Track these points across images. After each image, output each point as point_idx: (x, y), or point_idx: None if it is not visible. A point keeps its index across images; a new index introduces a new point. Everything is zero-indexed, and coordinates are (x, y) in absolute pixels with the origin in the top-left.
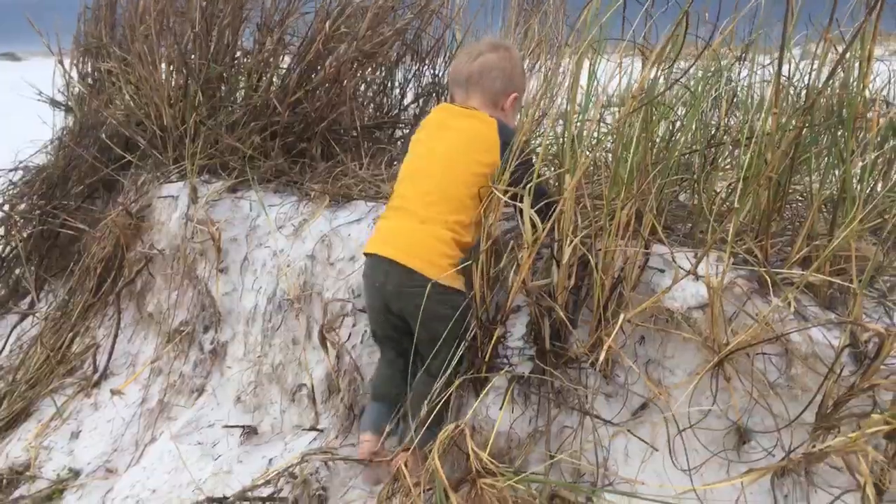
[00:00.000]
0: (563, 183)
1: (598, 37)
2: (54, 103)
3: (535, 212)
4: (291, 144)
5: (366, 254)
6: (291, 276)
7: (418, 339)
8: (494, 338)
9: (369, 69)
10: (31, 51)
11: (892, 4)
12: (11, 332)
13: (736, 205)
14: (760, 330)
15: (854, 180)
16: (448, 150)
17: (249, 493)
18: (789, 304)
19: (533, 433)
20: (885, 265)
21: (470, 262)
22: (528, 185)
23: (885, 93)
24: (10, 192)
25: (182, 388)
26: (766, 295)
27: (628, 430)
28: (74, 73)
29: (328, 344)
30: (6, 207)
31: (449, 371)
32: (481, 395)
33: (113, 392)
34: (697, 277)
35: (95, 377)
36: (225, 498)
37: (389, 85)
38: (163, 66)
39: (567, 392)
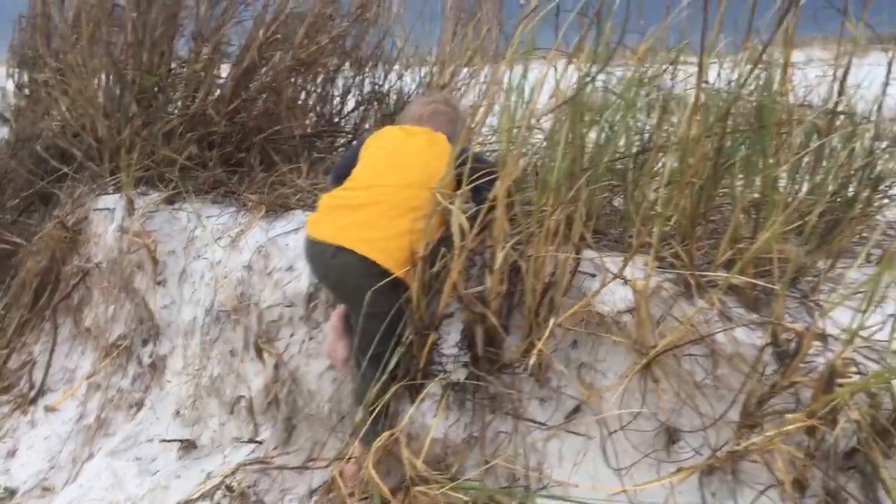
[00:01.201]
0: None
1: (529, 45)
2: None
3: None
4: (230, 154)
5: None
6: (228, 288)
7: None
8: (428, 344)
9: (309, 77)
10: None
11: (809, 11)
12: None
13: (658, 209)
14: (686, 332)
15: (781, 183)
16: (416, 147)
17: None
18: (714, 306)
19: (468, 439)
20: (807, 266)
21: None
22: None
23: (809, 97)
24: None
25: (121, 403)
26: (692, 298)
27: (565, 430)
28: (10, 84)
29: (265, 355)
30: None
31: (388, 368)
32: (416, 403)
33: (47, 409)
34: (626, 282)
35: (32, 394)
36: None
37: (330, 94)
38: (102, 76)
39: (501, 397)
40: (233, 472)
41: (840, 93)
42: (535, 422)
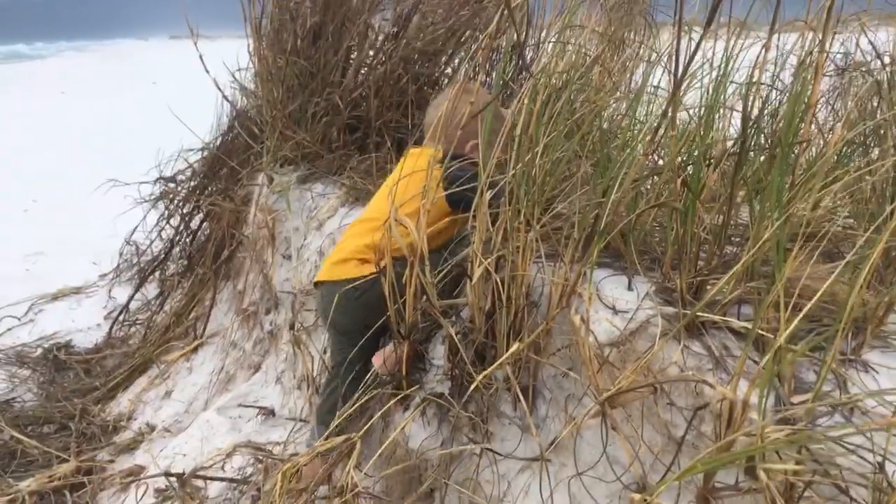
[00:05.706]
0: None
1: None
2: (242, 89)
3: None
4: (360, 140)
5: None
6: (303, 270)
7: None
8: (405, 353)
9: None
10: (220, 32)
11: None
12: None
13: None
14: (639, 376)
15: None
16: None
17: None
18: (710, 349)
19: (444, 455)
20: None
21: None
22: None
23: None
24: (185, 172)
25: (244, 363)
26: (693, 336)
27: (537, 465)
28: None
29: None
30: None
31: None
32: (382, 411)
33: (161, 362)
34: (616, 311)
35: (194, 344)
36: (182, 473)
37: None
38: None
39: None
40: (229, 454)
41: None
42: (494, 451)
